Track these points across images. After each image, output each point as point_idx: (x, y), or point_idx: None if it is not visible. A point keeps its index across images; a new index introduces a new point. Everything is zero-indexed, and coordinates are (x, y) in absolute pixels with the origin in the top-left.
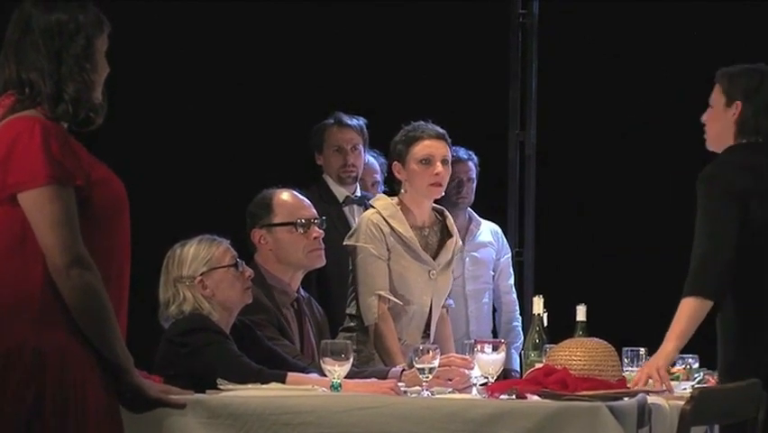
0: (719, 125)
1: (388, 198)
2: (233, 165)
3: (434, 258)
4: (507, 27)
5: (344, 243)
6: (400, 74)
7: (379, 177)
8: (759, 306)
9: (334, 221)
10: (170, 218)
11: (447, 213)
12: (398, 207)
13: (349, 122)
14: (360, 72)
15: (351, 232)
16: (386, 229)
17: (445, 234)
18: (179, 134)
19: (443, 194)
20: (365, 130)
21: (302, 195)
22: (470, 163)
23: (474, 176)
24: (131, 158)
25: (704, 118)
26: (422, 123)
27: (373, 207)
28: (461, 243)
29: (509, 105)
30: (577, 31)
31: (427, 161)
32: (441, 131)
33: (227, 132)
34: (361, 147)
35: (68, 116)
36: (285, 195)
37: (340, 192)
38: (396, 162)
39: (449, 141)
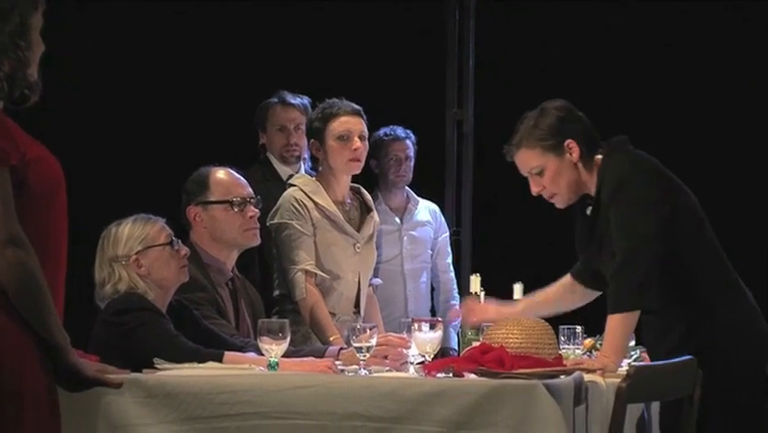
0: (568, 177)
1: (308, 176)
2: (175, 144)
3: (357, 231)
4: (444, 6)
5: (267, 222)
6: (339, 53)
7: None
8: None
9: (278, 200)
10: (109, 197)
11: (363, 189)
12: (319, 184)
13: (292, 101)
14: (300, 52)
15: (272, 211)
16: (309, 204)
17: (364, 209)
18: (119, 113)
19: (360, 170)
20: (309, 109)
21: (240, 174)
22: (408, 142)
23: (412, 154)
24: (67, 137)
25: (547, 192)
26: (336, 100)
27: (294, 185)
28: (377, 218)
29: (447, 84)
30: (514, 10)
31: (345, 138)
32: (357, 107)
33: (168, 110)
34: (304, 126)
35: (2, 94)
36: (221, 173)
37: (283, 171)
38: (313, 140)
39: (365, 117)
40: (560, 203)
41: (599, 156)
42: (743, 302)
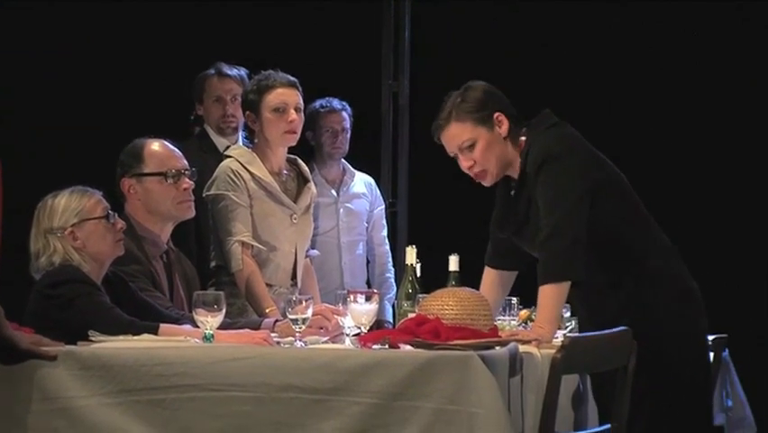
0: (499, 150)
1: (244, 147)
2: (112, 115)
3: (294, 202)
4: None
5: (204, 194)
6: (275, 24)
7: None
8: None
9: (215, 171)
10: (46, 168)
11: (300, 160)
12: (255, 155)
13: (229, 72)
14: (236, 23)
15: (209, 182)
16: (246, 175)
17: (301, 180)
18: (58, 85)
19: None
20: (246, 80)
21: (177, 146)
22: (344, 113)
23: (348, 126)
24: (3, 108)
25: (477, 167)
26: (272, 71)
27: (230, 156)
28: (314, 189)
29: (383, 55)
30: None
31: (281, 110)
32: (292, 79)
33: (105, 81)
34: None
35: None
36: (156, 145)
37: (220, 143)
38: (249, 112)
39: (300, 88)
40: (488, 180)
41: (523, 138)
42: (676, 270)
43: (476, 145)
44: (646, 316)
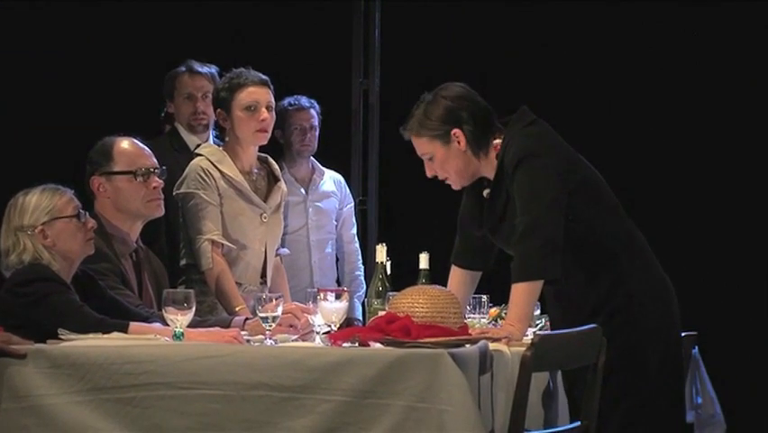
0: (456, 163)
1: (215, 146)
2: (84, 113)
3: (264, 201)
4: None
5: (174, 192)
6: (245, 22)
7: None
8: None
9: (185, 169)
10: (18, 164)
11: (271, 159)
12: (225, 154)
13: (200, 69)
14: (206, 21)
15: (179, 181)
16: (216, 174)
17: (272, 179)
18: (25, 82)
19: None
20: (217, 78)
21: (147, 144)
22: (313, 111)
23: (317, 124)
24: None
25: (440, 176)
26: (243, 69)
27: (200, 154)
28: (285, 188)
29: (353, 52)
30: None
31: (253, 108)
32: (264, 77)
33: (76, 78)
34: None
35: None
36: (125, 143)
37: (191, 140)
38: (220, 110)
39: (272, 87)
40: (453, 185)
41: (498, 141)
42: (652, 269)
43: (434, 158)
44: (622, 314)
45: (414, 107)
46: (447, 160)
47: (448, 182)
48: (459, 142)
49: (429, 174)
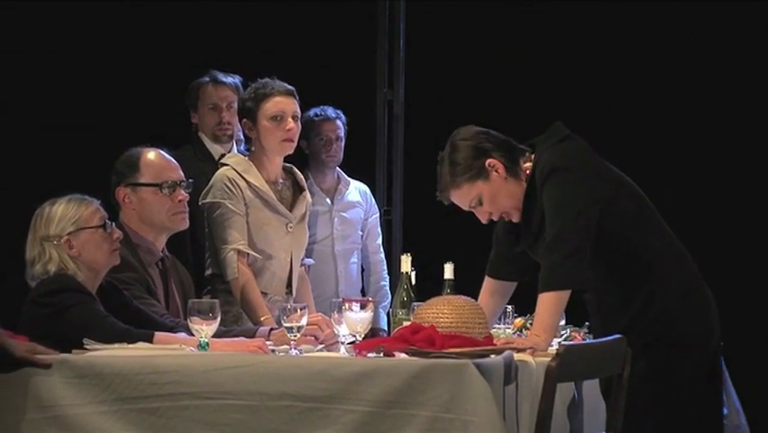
0: (505, 192)
1: (241, 155)
2: (111, 123)
3: (290, 211)
4: None
5: (200, 202)
6: (270, 32)
7: None
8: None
9: (210, 179)
10: (45, 174)
11: (296, 169)
12: (251, 163)
13: (224, 79)
14: (231, 31)
15: (205, 190)
16: (242, 184)
17: (297, 189)
18: (55, 91)
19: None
20: (241, 88)
21: (171, 155)
22: (339, 122)
23: (342, 135)
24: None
25: (496, 215)
26: (269, 80)
27: (226, 164)
28: (310, 198)
29: (377, 63)
30: None
31: (279, 118)
32: (290, 87)
33: (103, 89)
34: (236, 105)
35: None
36: (152, 154)
37: (215, 150)
38: (245, 120)
39: (297, 97)
40: (513, 218)
41: (527, 164)
42: (691, 282)
43: (482, 199)
44: (656, 326)
45: (438, 168)
46: (495, 194)
47: (508, 219)
48: (497, 171)
49: (484, 220)
